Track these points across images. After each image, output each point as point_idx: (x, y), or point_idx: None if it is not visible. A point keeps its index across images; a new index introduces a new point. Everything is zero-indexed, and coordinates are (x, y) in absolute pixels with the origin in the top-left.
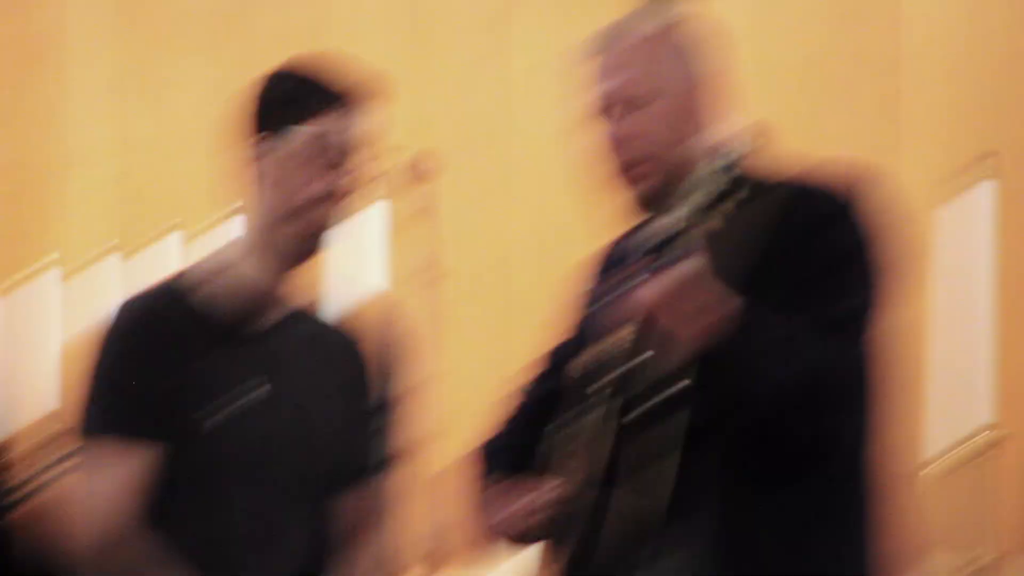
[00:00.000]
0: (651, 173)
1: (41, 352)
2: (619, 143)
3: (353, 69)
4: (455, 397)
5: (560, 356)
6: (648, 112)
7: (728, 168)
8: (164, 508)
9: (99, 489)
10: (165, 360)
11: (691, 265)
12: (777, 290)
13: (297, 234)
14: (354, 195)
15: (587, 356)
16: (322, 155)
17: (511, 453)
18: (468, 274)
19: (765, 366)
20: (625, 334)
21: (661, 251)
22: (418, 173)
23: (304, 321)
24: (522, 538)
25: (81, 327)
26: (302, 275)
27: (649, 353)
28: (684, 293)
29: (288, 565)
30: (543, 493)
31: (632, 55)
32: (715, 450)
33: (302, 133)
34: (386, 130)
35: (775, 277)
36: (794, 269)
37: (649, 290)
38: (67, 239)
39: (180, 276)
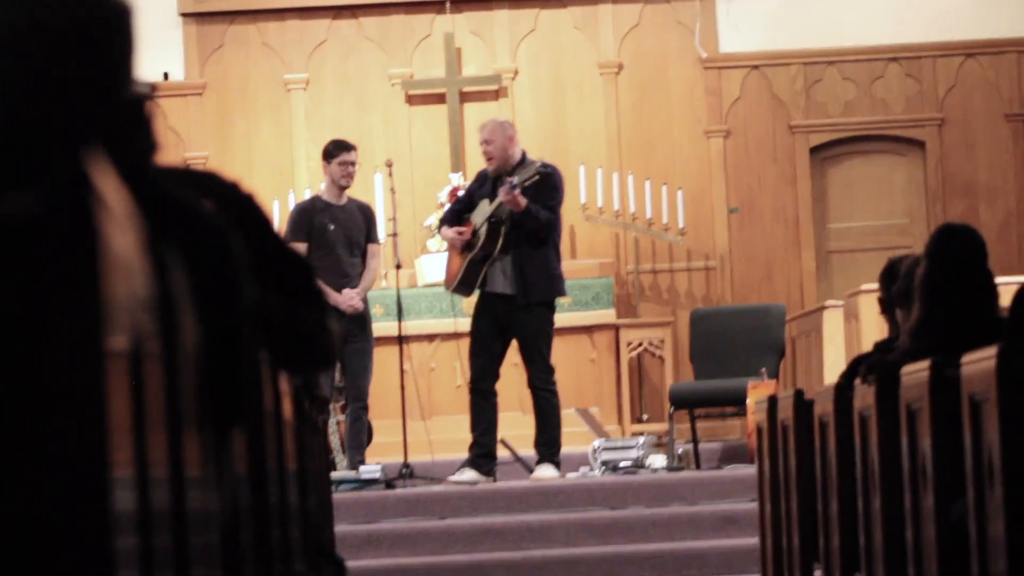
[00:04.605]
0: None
1: None
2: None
3: None
4: None
5: (465, 198)
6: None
7: (533, 162)
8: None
9: None
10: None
11: (519, 189)
12: (536, 200)
13: None
14: None
15: (486, 206)
16: None
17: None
18: None
19: (535, 215)
20: (498, 201)
21: (515, 184)
22: None
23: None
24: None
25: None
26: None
27: (504, 207)
28: (517, 197)
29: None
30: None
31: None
32: (521, 234)
33: None
34: None
35: (535, 196)
36: (537, 192)
37: (508, 191)
38: None
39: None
